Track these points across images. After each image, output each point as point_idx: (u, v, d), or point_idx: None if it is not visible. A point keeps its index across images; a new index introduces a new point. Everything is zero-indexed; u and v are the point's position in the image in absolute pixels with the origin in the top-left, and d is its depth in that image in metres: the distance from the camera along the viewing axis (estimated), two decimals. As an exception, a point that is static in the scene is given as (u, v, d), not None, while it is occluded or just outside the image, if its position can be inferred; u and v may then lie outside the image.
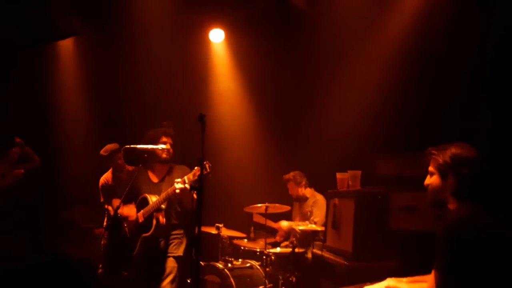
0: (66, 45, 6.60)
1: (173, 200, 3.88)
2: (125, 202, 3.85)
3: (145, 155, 3.80)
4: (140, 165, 3.95)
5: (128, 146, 3.92)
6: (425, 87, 4.55)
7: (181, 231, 4.02)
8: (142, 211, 3.85)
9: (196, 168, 3.55)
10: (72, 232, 5.86)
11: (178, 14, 5.72)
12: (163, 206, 3.81)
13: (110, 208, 4.68)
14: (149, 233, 3.79)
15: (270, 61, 5.81)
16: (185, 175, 3.65)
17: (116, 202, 3.97)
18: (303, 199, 5.32)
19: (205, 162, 3.36)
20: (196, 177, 3.53)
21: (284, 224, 5.22)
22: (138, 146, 3.85)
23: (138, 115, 6.01)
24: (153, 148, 3.85)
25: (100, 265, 4.70)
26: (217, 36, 6.15)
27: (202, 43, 6.23)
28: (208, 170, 3.44)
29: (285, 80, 5.81)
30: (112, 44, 6.16)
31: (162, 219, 3.80)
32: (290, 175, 5.31)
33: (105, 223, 4.84)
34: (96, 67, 6.44)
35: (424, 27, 4.57)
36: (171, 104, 5.88)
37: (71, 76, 6.71)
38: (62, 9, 5.66)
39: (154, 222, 3.79)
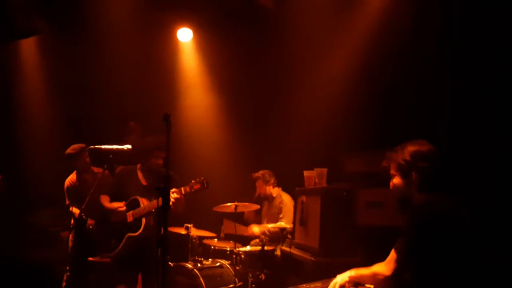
0: (28, 44, 6.41)
1: None
2: (112, 200, 3.89)
3: (110, 156, 3.75)
4: (132, 166, 3.93)
5: (92, 146, 3.86)
6: (389, 85, 4.65)
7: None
8: (132, 211, 3.85)
9: (193, 181, 3.64)
10: (38, 236, 5.72)
11: (146, 12, 5.65)
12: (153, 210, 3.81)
13: (74, 210, 4.59)
14: (137, 233, 3.79)
15: (238, 61, 5.83)
16: (174, 181, 3.65)
17: (105, 198, 3.93)
18: (270, 198, 5.36)
19: (202, 178, 3.60)
20: (192, 190, 3.63)
21: (256, 230, 5.22)
22: (103, 146, 3.81)
23: (103, 114, 5.92)
24: (118, 149, 3.81)
25: (68, 268, 4.61)
26: (185, 35, 6.12)
27: (170, 42, 6.18)
28: (206, 186, 3.60)
29: (252, 79, 5.84)
30: (77, 43, 6.03)
31: (151, 221, 3.80)
32: (259, 173, 5.35)
33: (71, 225, 4.74)
34: (60, 66, 6.29)
35: (389, 25, 4.67)
36: (137, 103, 5.82)
37: (33, 75, 6.53)
38: (23, 7, 5.50)
39: (143, 223, 3.79)
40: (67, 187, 4.85)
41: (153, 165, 3.88)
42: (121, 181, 3.92)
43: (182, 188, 3.66)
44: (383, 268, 2.22)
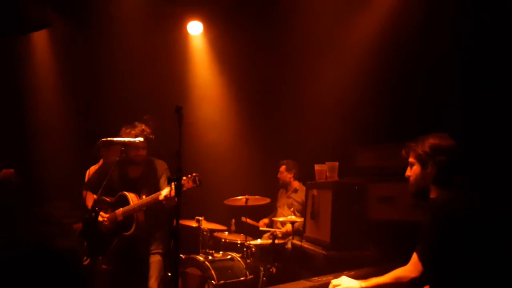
0: (40, 37, 6.44)
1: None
2: (100, 188, 3.73)
3: (122, 148, 3.75)
4: (117, 159, 3.87)
5: (104, 138, 3.86)
6: (402, 78, 4.60)
7: (161, 229, 3.98)
8: (121, 209, 3.79)
9: (184, 178, 3.46)
10: (51, 228, 5.77)
11: (156, 6, 5.65)
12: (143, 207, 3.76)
13: (88, 196, 4.58)
14: (130, 232, 3.75)
15: (249, 53, 5.80)
16: (163, 171, 3.62)
17: (90, 196, 3.90)
18: (289, 188, 5.37)
19: (195, 174, 3.41)
20: (184, 189, 3.45)
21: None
22: (115, 138, 3.81)
23: (115, 107, 5.93)
24: (130, 141, 3.81)
25: (85, 257, 4.65)
26: (195, 28, 6.10)
27: (180, 36, 6.17)
28: (198, 183, 3.44)
29: (263, 72, 5.81)
30: (88, 36, 6.05)
31: (142, 218, 3.77)
32: (286, 160, 5.41)
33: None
34: (71, 59, 6.31)
35: (401, 18, 4.61)
36: (148, 96, 5.82)
37: (45, 68, 6.56)
38: (35, 0, 5.53)
39: (134, 221, 3.74)
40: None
41: (134, 157, 3.82)
42: (110, 174, 3.81)
43: (173, 184, 3.54)
44: (408, 270, 2.14)
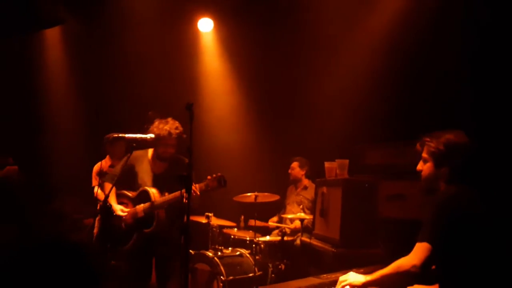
0: (53, 33, 6.51)
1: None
2: (120, 185, 3.72)
3: (134, 144, 3.75)
4: (144, 150, 3.79)
5: (116, 134, 3.87)
6: (411, 76, 4.59)
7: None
8: (142, 205, 3.67)
9: (209, 177, 3.41)
10: (61, 223, 5.83)
11: (166, 3, 5.67)
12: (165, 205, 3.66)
13: (99, 192, 4.61)
14: (150, 229, 3.63)
15: (259, 51, 5.80)
16: (184, 168, 3.54)
17: (108, 186, 3.79)
18: (298, 184, 5.39)
19: (220, 175, 3.36)
20: (208, 189, 3.41)
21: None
22: (127, 135, 3.81)
23: (127, 104, 5.98)
24: (142, 138, 3.80)
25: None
26: (206, 25, 6.12)
27: (191, 33, 6.19)
28: (223, 184, 3.37)
29: (274, 70, 5.81)
30: (100, 33, 6.10)
31: (163, 216, 3.65)
32: (299, 157, 5.42)
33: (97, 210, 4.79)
34: (83, 56, 6.37)
35: (411, 17, 4.59)
36: (159, 93, 5.86)
37: (58, 64, 6.62)
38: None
39: (155, 218, 3.62)
40: (96, 171, 4.93)
41: (162, 154, 3.70)
42: (133, 167, 3.74)
43: (198, 185, 3.43)
44: (409, 258, 2.12)
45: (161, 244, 3.69)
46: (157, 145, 3.71)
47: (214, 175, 3.41)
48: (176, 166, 3.69)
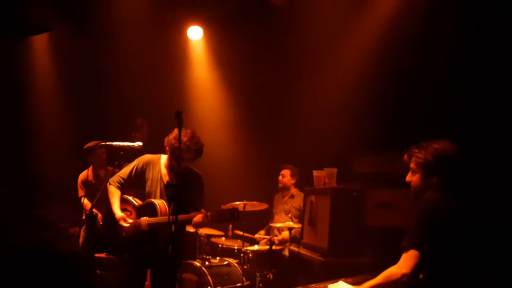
0: (41, 40, 6.46)
1: None
2: (128, 185, 3.57)
3: (121, 152, 3.73)
4: (156, 156, 3.62)
5: (104, 142, 3.85)
6: (401, 86, 4.62)
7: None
8: (147, 219, 3.45)
9: (223, 207, 3.27)
10: (47, 231, 5.74)
11: (156, 10, 5.66)
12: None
13: (86, 202, 4.58)
14: (153, 245, 3.44)
15: (248, 59, 5.82)
16: (198, 185, 3.45)
17: (117, 202, 3.59)
18: (287, 193, 5.37)
19: (234, 208, 3.23)
20: (221, 219, 3.26)
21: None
22: (114, 143, 3.79)
23: (115, 111, 5.94)
24: (129, 146, 3.78)
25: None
26: (195, 33, 6.12)
27: (180, 41, 6.18)
28: (236, 217, 3.23)
29: (263, 78, 5.83)
30: (89, 40, 6.06)
31: (167, 232, 3.29)
32: (290, 165, 5.40)
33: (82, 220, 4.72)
34: (72, 63, 6.33)
35: (400, 25, 4.63)
36: (148, 100, 5.83)
37: (45, 71, 6.57)
38: (36, 4, 5.54)
39: (159, 234, 3.42)
40: (82, 181, 4.94)
41: (175, 166, 3.43)
42: (144, 172, 3.55)
43: (209, 214, 3.29)
44: (398, 267, 2.11)
45: (160, 257, 3.46)
46: (171, 157, 3.48)
47: (229, 206, 3.30)
48: (185, 179, 3.39)
